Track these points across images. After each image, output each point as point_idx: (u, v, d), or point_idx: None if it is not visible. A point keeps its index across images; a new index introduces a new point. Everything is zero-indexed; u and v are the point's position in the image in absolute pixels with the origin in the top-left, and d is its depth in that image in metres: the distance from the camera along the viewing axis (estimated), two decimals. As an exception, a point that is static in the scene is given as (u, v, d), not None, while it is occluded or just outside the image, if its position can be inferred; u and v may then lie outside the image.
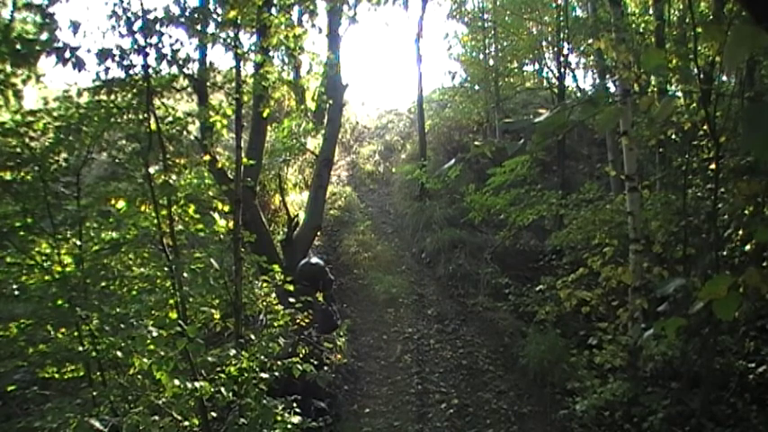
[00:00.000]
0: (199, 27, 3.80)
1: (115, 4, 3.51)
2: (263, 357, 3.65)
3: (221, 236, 4.07)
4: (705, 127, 5.04)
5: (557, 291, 6.63)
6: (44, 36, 3.38)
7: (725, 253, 5.05)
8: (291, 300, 4.57)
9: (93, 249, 3.73)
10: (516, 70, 12.84)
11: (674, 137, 6.57)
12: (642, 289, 5.55)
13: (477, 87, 12.58)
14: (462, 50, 12.97)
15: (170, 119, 3.77)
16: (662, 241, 6.09)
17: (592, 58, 10.28)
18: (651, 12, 8.98)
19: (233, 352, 3.36)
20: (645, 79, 8.15)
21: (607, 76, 9.19)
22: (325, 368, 5.36)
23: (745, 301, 4.25)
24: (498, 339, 7.26)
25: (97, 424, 2.80)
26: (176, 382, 2.92)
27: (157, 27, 3.57)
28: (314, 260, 6.66)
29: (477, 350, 7.06)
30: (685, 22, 7.66)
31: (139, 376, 3.32)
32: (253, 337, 3.88)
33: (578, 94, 10.69)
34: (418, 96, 11.86)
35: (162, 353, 2.99)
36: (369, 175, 12.51)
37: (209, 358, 3.15)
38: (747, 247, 4.91)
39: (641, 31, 9.41)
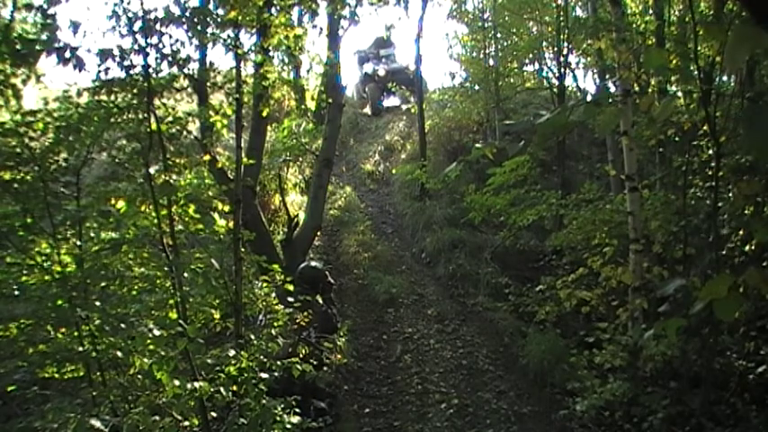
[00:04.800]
0: (199, 27, 3.80)
1: (115, 4, 3.51)
2: (262, 357, 3.65)
3: (221, 236, 4.07)
4: (705, 127, 5.04)
5: (557, 291, 6.63)
6: (44, 36, 3.38)
7: (725, 253, 5.04)
8: (291, 300, 4.57)
9: (93, 249, 3.73)
10: (516, 70, 12.82)
11: (674, 137, 6.57)
12: (642, 289, 5.55)
13: (477, 87, 12.56)
14: (462, 50, 12.96)
15: (170, 119, 3.77)
16: (662, 241, 6.09)
17: (591, 58, 10.27)
18: (651, 12, 8.99)
19: (232, 352, 3.36)
20: (645, 79, 8.15)
21: (607, 76, 9.19)
22: (325, 368, 5.35)
23: (746, 302, 4.24)
24: (498, 339, 7.25)
25: (98, 423, 2.80)
26: (176, 382, 2.92)
27: (158, 27, 3.57)
28: (314, 263, 6.66)
29: (477, 350, 7.05)
30: (685, 22, 7.66)
31: (139, 376, 3.32)
32: (252, 337, 3.88)
33: (578, 94, 10.69)
34: (418, 96, 11.86)
35: (162, 353, 2.99)
36: (369, 175, 12.50)
37: (209, 360, 3.15)
38: (747, 247, 4.92)
39: (641, 31, 9.40)
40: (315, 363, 4.17)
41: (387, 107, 15.74)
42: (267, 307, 4.61)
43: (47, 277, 3.55)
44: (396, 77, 15.01)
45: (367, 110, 15.87)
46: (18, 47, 3.31)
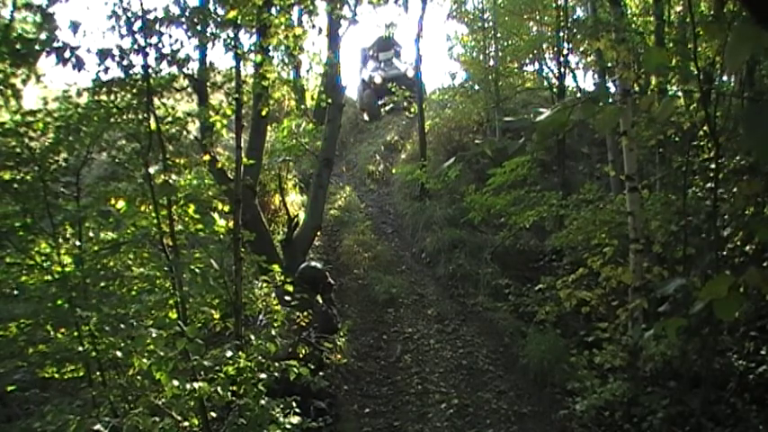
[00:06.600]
0: (199, 27, 3.80)
1: (115, 4, 3.51)
2: (260, 358, 3.65)
3: (221, 236, 4.07)
4: (705, 127, 5.04)
5: (557, 291, 6.63)
6: (43, 35, 3.38)
7: (725, 253, 5.04)
8: (290, 299, 4.57)
9: (92, 249, 3.72)
10: (516, 70, 12.84)
11: (674, 137, 6.57)
12: (642, 289, 5.55)
13: (477, 87, 12.58)
14: (462, 51, 12.98)
15: (170, 119, 3.77)
16: (662, 241, 6.09)
17: (592, 58, 10.27)
18: (651, 12, 8.99)
19: (230, 353, 3.36)
20: (645, 79, 8.15)
21: (606, 77, 9.19)
22: (321, 373, 5.32)
23: (746, 302, 4.24)
24: (498, 339, 7.25)
25: (98, 425, 2.80)
26: (175, 382, 2.91)
27: (157, 27, 3.57)
28: (314, 264, 6.66)
29: (477, 350, 7.05)
30: (685, 22, 7.65)
31: (139, 377, 3.32)
32: (252, 337, 3.88)
33: (578, 95, 10.69)
34: (418, 96, 11.86)
35: (162, 353, 2.99)
36: (369, 175, 12.51)
37: (206, 362, 3.13)
38: (747, 247, 4.91)
39: (641, 31, 9.40)
40: (312, 367, 4.14)
41: (386, 110, 15.58)
42: (267, 307, 4.60)
43: (47, 277, 3.55)
44: (395, 83, 14.52)
45: (365, 116, 15.86)
46: (18, 47, 3.31)
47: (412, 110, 13.06)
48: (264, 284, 4.75)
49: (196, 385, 3.01)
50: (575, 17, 10.78)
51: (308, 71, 6.32)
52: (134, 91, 3.59)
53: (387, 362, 6.91)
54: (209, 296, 3.99)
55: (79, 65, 3.32)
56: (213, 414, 3.60)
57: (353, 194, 11.37)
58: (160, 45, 3.60)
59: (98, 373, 3.57)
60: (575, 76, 12.89)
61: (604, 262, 6.11)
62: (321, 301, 6.14)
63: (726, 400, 4.76)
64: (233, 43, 4.10)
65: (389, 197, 11.81)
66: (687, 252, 5.33)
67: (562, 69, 10.47)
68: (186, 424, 3.32)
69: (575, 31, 9.84)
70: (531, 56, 12.35)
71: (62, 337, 3.52)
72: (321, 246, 9.29)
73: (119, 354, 3.26)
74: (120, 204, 3.75)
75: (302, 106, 8.28)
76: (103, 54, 3.42)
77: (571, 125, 7.21)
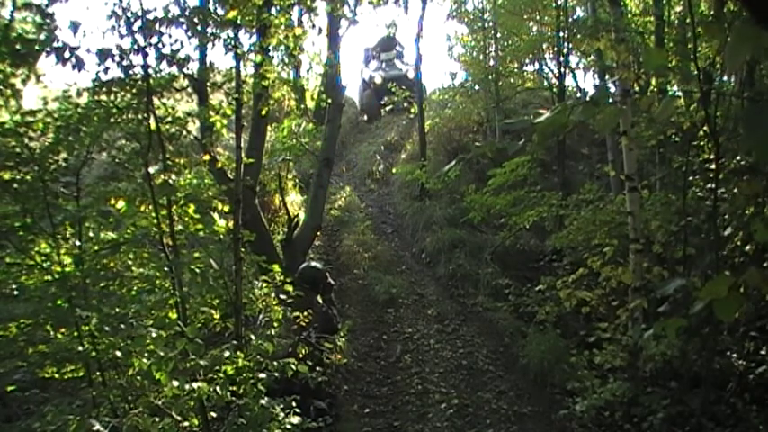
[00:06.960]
0: (199, 27, 3.80)
1: (115, 4, 3.52)
2: (259, 357, 3.65)
3: (221, 236, 4.07)
4: (705, 127, 5.04)
5: (557, 291, 6.63)
6: (44, 36, 3.38)
7: (725, 253, 5.04)
8: (289, 299, 4.57)
9: (93, 249, 3.72)
10: (516, 70, 12.84)
11: (674, 137, 6.57)
12: (642, 289, 5.55)
13: (477, 87, 12.58)
14: (462, 50, 12.98)
15: (170, 119, 3.77)
16: (662, 241, 6.09)
17: (592, 58, 10.28)
18: (651, 12, 9.00)
19: (227, 353, 3.36)
20: (645, 79, 8.16)
21: (607, 77, 9.19)
22: (319, 368, 5.31)
23: (746, 302, 4.23)
24: (498, 339, 7.25)
25: (98, 425, 2.80)
26: (175, 382, 2.91)
27: (157, 27, 3.57)
28: (314, 264, 6.67)
29: (477, 350, 7.05)
30: (685, 22, 7.66)
31: (139, 377, 3.32)
32: (252, 337, 3.88)
33: (578, 95, 10.69)
34: (418, 96, 11.86)
35: (162, 353, 2.99)
36: (369, 175, 12.51)
37: (202, 362, 3.13)
38: (747, 247, 4.91)
39: (641, 31, 9.41)
40: (310, 364, 4.14)
41: (386, 111, 15.46)
42: (267, 307, 4.60)
43: (47, 277, 3.55)
44: (395, 83, 14.38)
45: (365, 116, 15.83)
46: (18, 47, 3.31)
47: (412, 110, 13.01)
48: (264, 284, 4.74)
49: (196, 385, 3.01)
50: (575, 17, 10.78)
51: (308, 71, 6.33)
52: (134, 91, 3.59)
53: (387, 362, 6.91)
54: (209, 296, 3.99)
55: (79, 65, 3.33)
56: (213, 414, 3.60)
57: (353, 194, 11.37)
58: (160, 45, 3.61)
59: (98, 373, 3.56)
60: (575, 76, 12.91)
61: (604, 262, 6.11)
62: (321, 301, 6.14)
63: (726, 400, 4.76)
64: (233, 43, 4.10)
65: (389, 197, 11.81)
66: (687, 252, 5.34)
67: (562, 69, 10.47)
68: (186, 424, 3.32)
69: (575, 31, 9.84)
70: (531, 56, 12.34)
71: (62, 337, 3.52)
72: (321, 246, 9.29)
73: (119, 354, 3.26)
74: (120, 204, 3.75)
75: (302, 106, 8.27)
76: (103, 54, 3.42)
77: (571, 126, 7.22)
